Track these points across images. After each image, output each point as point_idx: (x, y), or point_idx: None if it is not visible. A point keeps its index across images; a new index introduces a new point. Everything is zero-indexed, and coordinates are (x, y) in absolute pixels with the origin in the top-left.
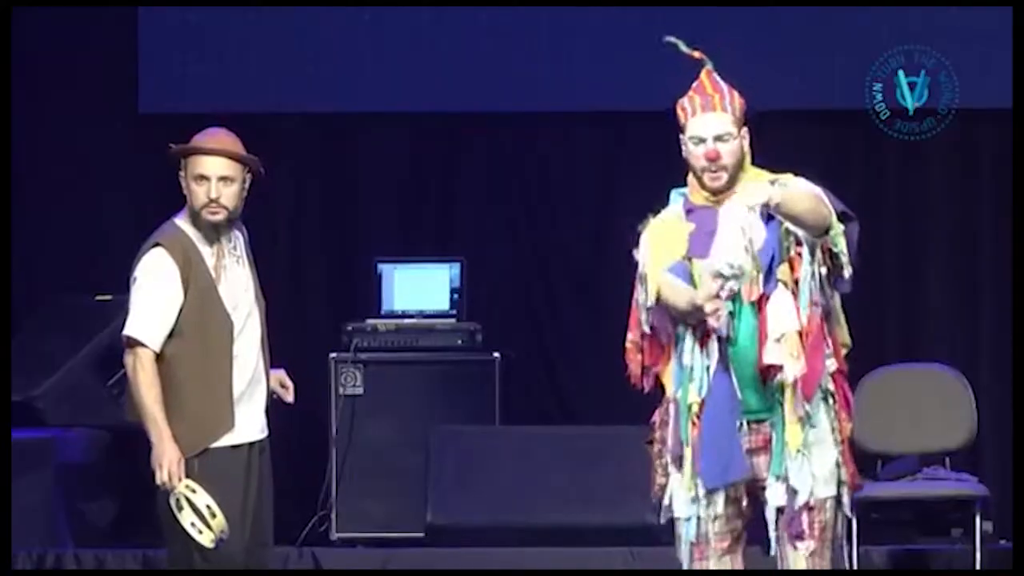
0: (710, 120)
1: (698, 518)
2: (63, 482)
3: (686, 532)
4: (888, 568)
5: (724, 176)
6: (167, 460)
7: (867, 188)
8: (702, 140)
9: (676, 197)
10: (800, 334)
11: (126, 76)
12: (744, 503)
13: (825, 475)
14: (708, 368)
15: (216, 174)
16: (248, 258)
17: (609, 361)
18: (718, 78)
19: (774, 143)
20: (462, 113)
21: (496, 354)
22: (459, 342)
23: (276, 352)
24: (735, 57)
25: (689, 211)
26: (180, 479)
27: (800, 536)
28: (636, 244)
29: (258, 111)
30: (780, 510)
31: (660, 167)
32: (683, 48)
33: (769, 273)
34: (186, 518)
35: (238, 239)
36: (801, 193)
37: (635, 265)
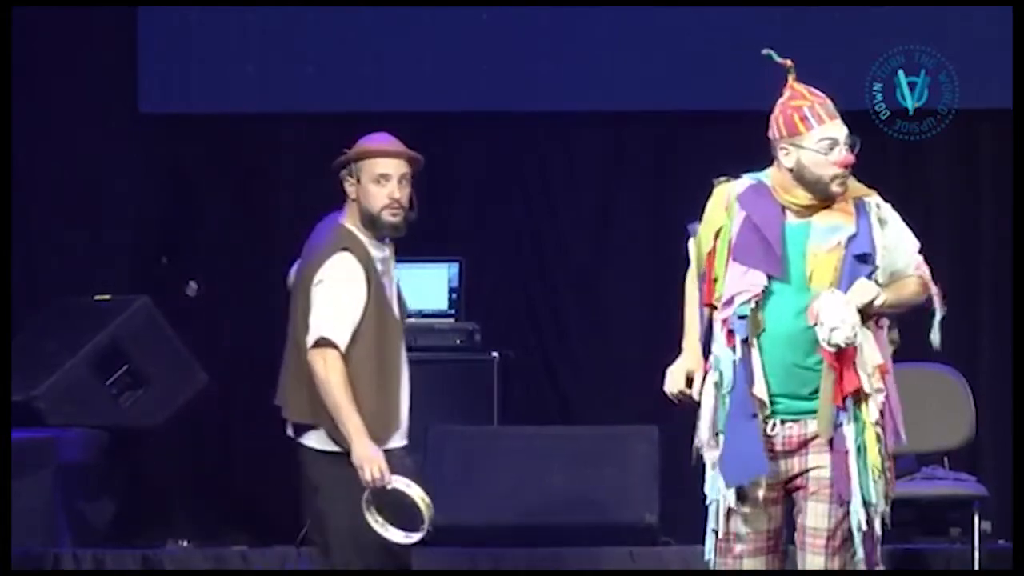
0: (840, 126)
1: (718, 505)
2: (62, 482)
3: (709, 518)
4: (887, 568)
5: (844, 185)
6: (376, 458)
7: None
8: (836, 143)
9: (745, 182)
10: (881, 368)
11: (126, 75)
12: (778, 504)
13: (884, 494)
14: (734, 363)
15: (398, 173)
16: None
17: (608, 361)
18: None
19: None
20: (461, 113)
21: (494, 354)
22: (457, 342)
23: (279, 352)
24: (735, 57)
25: (751, 211)
26: (389, 475)
27: (875, 564)
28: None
29: (258, 111)
30: (860, 535)
31: (659, 167)
32: (776, 58)
33: None
34: (372, 518)
35: (390, 242)
36: (908, 295)
37: (635, 263)
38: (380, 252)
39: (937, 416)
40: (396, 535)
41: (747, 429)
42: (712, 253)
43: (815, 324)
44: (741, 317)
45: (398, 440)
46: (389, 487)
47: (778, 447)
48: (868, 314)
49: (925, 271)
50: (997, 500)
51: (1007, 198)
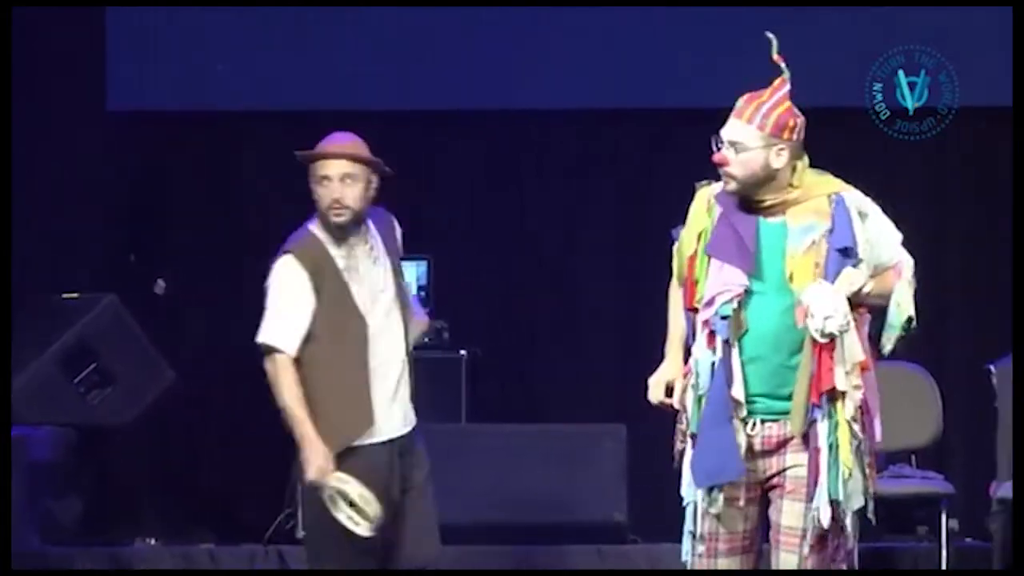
0: (732, 126)
1: (695, 507)
2: (30, 480)
3: (686, 519)
4: (856, 567)
5: (732, 184)
6: (315, 459)
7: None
8: (720, 141)
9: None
10: (862, 365)
11: (95, 73)
12: (754, 505)
13: (859, 491)
14: (713, 364)
15: (338, 175)
16: (389, 255)
17: (577, 359)
18: (780, 90)
19: None
20: (431, 111)
21: (463, 352)
22: (426, 340)
23: (247, 351)
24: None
25: (726, 208)
26: (329, 475)
27: (840, 562)
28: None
29: (227, 109)
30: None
31: (629, 166)
32: (774, 49)
33: None
34: (340, 513)
35: (375, 238)
36: (890, 287)
37: (605, 261)
38: (344, 250)
39: (905, 414)
40: (362, 528)
41: (723, 431)
42: (694, 256)
43: (804, 321)
44: (723, 317)
45: (376, 436)
46: (327, 487)
47: (757, 447)
48: (854, 303)
49: (905, 263)
50: (964, 498)
51: (1007, 197)
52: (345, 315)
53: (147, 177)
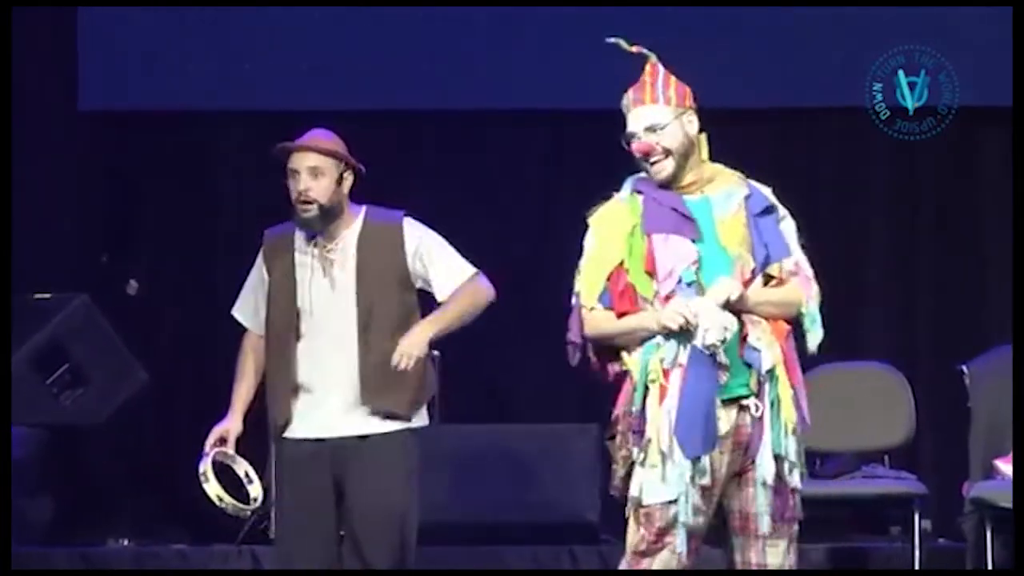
0: (640, 113)
1: (686, 497)
2: None
3: (680, 513)
4: (829, 567)
5: (667, 164)
6: (215, 429)
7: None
8: (634, 135)
9: (629, 182)
10: (773, 331)
11: (66, 73)
12: (721, 499)
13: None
14: (678, 342)
15: (305, 167)
16: (365, 261)
17: (547, 359)
18: (659, 68)
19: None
20: (404, 110)
21: (435, 352)
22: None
23: (220, 351)
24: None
25: (648, 192)
26: (214, 446)
27: (790, 520)
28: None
29: (199, 109)
30: (768, 490)
31: (600, 165)
32: (624, 46)
33: (763, 267)
34: (211, 490)
35: (347, 239)
36: (771, 303)
37: (575, 261)
38: (310, 244)
39: (877, 414)
40: (228, 505)
41: (705, 400)
42: (622, 265)
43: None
44: (689, 284)
45: (302, 431)
46: (212, 456)
47: (742, 436)
48: (736, 308)
49: (804, 270)
50: (937, 498)
51: (1007, 197)
52: (280, 304)
53: (119, 177)
